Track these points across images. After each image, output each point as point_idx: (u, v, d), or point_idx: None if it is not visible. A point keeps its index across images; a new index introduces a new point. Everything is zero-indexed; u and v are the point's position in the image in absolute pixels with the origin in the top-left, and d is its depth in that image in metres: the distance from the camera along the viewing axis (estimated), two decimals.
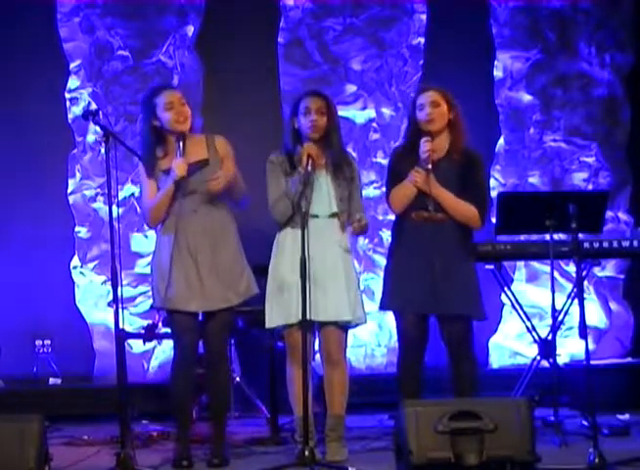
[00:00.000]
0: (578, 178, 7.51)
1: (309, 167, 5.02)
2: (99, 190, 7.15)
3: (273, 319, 5.17)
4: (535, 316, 6.96)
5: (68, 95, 7.21)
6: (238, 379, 6.56)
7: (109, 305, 6.94)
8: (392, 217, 5.44)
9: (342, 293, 5.12)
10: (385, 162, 7.07)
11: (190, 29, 7.31)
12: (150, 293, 5.27)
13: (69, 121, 7.18)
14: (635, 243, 6.27)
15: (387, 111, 7.39)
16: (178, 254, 5.01)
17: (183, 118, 5.04)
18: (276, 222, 5.18)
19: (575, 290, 5.88)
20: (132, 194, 7.15)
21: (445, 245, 5.17)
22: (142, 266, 7.00)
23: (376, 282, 6.72)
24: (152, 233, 6.77)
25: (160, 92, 5.10)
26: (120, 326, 4.79)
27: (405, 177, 5.18)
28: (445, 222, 5.18)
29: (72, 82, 7.22)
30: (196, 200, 5.05)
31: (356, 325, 5.25)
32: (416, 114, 5.24)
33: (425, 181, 5.13)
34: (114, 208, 5.00)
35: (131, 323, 6.80)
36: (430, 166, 5.13)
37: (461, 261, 5.19)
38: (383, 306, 5.33)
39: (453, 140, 5.23)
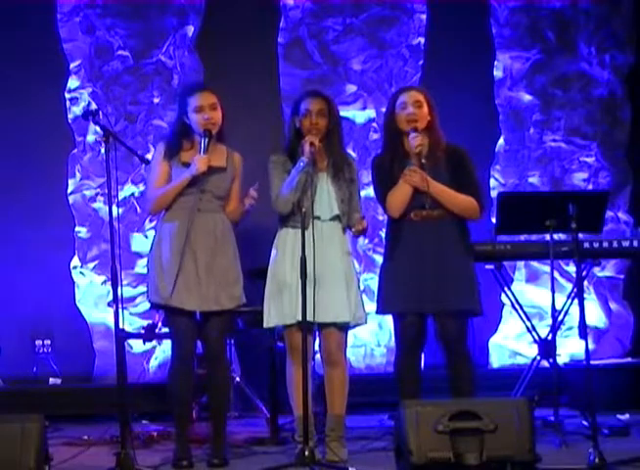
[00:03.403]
0: (578, 178, 7.52)
1: (313, 152, 5.02)
2: (99, 190, 7.15)
3: (271, 319, 5.17)
4: (535, 316, 6.96)
5: (67, 95, 7.21)
6: (238, 379, 6.56)
7: (109, 304, 6.95)
8: None
9: (341, 294, 5.11)
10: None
11: (190, 29, 7.31)
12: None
13: (69, 121, 7.18)
14: (635, 243, 6.27)
15: None
16: (180, 250, 5.01)
17: (210, 124, 5.04)
18: (279, 214, 5.17)
19: (575, 290, 5.88)
20: (132, 194, 7.15)
21: (443, 243, 5.16)
22: (142, 266, 7.00)
23: (376, 282, 6.71)
24: (151, 233, 6.78)
25: (194, 92, 5.09)
26: (120, 326, 4.79)
27: (397, 180, 5.16)
28: (443, 219, 5.17)
29: (72, 82, 7.22)
30: (203, 199, 5.06)
31: (356, 325, 5.26)
32: (396, 113, 5.22)
33: (421, 178, 5.11)
34: (114, 208, 5.00)
35: (131, 323, 6.80)
36: (424, 161, 5.11)
37: (459, 259, 5.18)
38: (380, 310, 5.29)
39: (433, 141, 5.21)
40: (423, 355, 5.29)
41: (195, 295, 5.02)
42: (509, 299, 6.44)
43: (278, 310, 5.13)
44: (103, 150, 5.20)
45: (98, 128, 5.04)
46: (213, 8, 7.29)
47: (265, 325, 5.20)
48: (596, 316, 7.34)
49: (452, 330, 5.14)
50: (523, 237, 6.67)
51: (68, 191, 7.19)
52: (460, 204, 5.17)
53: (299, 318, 4.93)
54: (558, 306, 6.01)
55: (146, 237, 7.10)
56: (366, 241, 7.23)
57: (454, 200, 5.16)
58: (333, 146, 5.20)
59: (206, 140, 5.02)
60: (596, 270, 7.14)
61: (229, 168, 5.15)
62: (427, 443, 4.36)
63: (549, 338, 6.11)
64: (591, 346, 6.53)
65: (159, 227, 5.17)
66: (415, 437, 4.37)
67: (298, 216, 4.96)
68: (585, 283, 6.76)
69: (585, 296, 6.27)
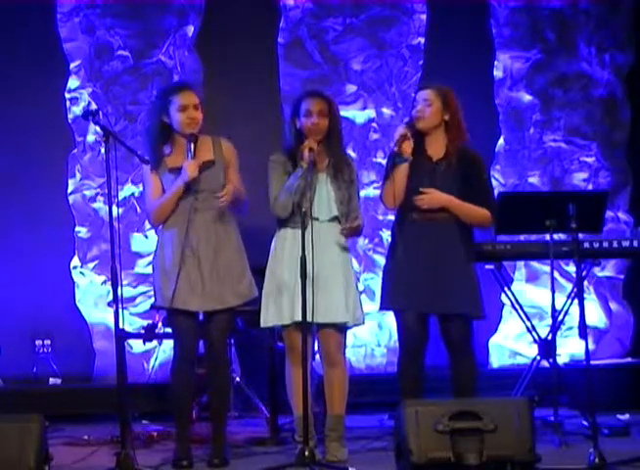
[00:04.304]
0: (578, 178, 7.51)
1: (312, 158, 5.02)
2: (99, 190, 7.15)
3: (268, 319, 5.17)
4: (535, 316, 6.96)
5: (67, 95, 7.21)
6: (238, 379, 6.56)
7: (109, 304, 6.94)
8: (392, 217, 5.44)
9: (340, 294, 5.12)
10: (384, 162, 7.09)
11: (190, 29, 7.31)
12: (150, 293, 5.27)
13: (69, 121, 7.18)
14: (635, 243, 6.27)
15: (387, 111, 7.38)
16: (181, 252, 5.01)
17: (194, 124, 5.04)
18: (277, 217, 5.17)
19: (575, 290, 5.88)
20: (132, 194, 7.15)
21: (446, 245, 5.18)
22: (142, 266, 7.00)
23: (376, 282, 6.71)
24: (152, 233, 6.79)
25: (178, 91, 5.08)
26: (120, 326, 4.79)
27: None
28: (447, 222, 5.18)
29: (72, 82, 7.22)
30: (199, 198, 5.05)
31: (354, 326, 5.26)
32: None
33: (437, 200, 5.12)
34: (114, 208, 5.00)
35: (131, 323, 6.79)
36: (396, 149, 5.11)
37: (461, 261, 5.19)
38: (383, 306, 5.32)
39: (449, 141, 5.22)
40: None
41: (198, 295, 5.02)
42: (509, 299, 6.44)
43: (275, 310, 5.13)
44: (103, 150, 5.20)
45: (98, 128, 5.04)
46: (213, 8, 7.28)
47: (262, 325, 5.20)
48: (596, 316, 7.34)
49: (455, 332, 5.16)
50: (522, 237, 6.67)
51: (68, 191, 7.18)
52: (474, 217, 5.21)
53: (297, 319, 4.94)
54: (558, 306, 6.00)
55: (146, 237, 7.10)
56: (366, 241, 7.23)
57: (469, 212, 5.18)
58: (333, 146, 5.20)
59: (193, 145, 5.02)
60: (596, 270, 7.14)
61: (218, 159, 5.12)
62: (427, 443, 4.36)
63: (549, 338, 6.11)
64: (591, 346, 6.52)
65: (160, 233, 5.17)
66: (415, 437, 4.37)
67: (298, 217, 4.96)
68: (585, 283, 6.76)
69: (585, 296, 6.26)
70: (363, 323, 5.28)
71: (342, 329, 5.18)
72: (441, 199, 5.14)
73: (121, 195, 7.02)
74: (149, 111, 5.35)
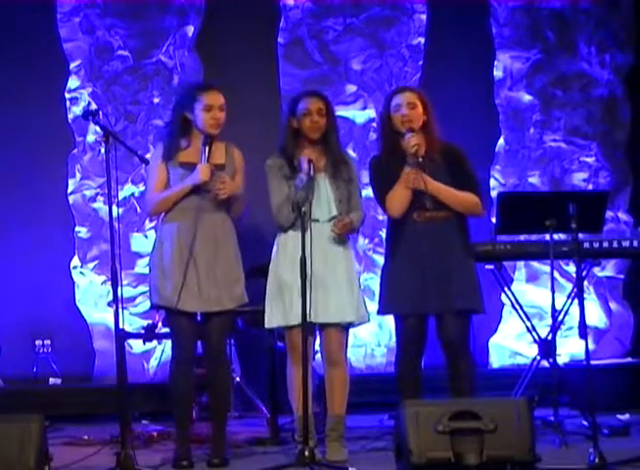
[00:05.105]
0: (578, 178, 7.52)
1: (312, 173, 5.03)
2: (99, 190, 7.15)
3: (273, 320, 5.17)
4: (535, 316, 6.96)
5: (67, 95, 7.21)
6: (238, 379, 6.56)
7: (109, 304, 6.95)
8: None
9: (344, 293, 5.12)
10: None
11: (190, 29, 7.31)
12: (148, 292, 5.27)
13: (69, 121, 7.18)
14: (635, 243, 6.27)
15: None
16: (179, 251, 5.01)
17: (217, 125, 5.05)
18: (280, 227, 5.18)
19: (575, 290, 5.88)
20: (132, 194, 7.15)
21: (444, 243, 5.16)
22: (142, 266, 7.00)
23: (375, 282, 6.69)
24: (152, 233, 6.79)
25: (205, 90, 5.08)
26: (120, 326, 4.79)
27: (394, 180, 5.15)
28: (446, 221, 5.17)
29: (72, 82, 7.22)
30: (204, 198, 5.05)
31: (360, 324, 5.26)
32: (391, 114, 5.22)
33: (418, 179, 5.11)
34: (114, 208, 5.00)
35: (131, 323, 6.80)
36: (420, 160, 5.11)
37: (461, 259, 5.18)
38: (382, 311, 5.29)
39: (429, 141, 5.20)
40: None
41: (196, 296, 5.01)
42: (509, 299, 6.44)
43: (279, 311, 5.13)
44: (103, 150, 5.20)
45: (98, 128, 5.04)
46: (213, 8, 7.29)
47: (267, 326, 5.20)
48: (596, 316, 7.34)
49: (455, 330, 5.14)
50: (523, 237, 6.67)
51: (68, 191, 7.18)
52: (461, 201, 5.18)
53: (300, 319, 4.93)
54: (558, 306, 6.00)
55: (146, 237, 7.10)
56: (366, 241, 7.23)
57: (455, 197, 5.16)
58: (331, 145, 5.21)
59: (208, 148, 5.02)
60: (596, 270, 7.14)
61: (228, 165, 5.14)
62: (427, 443, 4.36)
63: (549, 338, 6.12)
64: (591, 346, 6.52)
65: (159, 228, 5.17)
66: (415, 437, 4.37)
67: (298, 219, 4.96)
68: (585, 283, 6.76)
69: (585, 296, 6.26)
70: (369, 321, 5.28)
71: (345, 328, 5.18)
72: (422, 179, 5.10)
73: (121, 195, 7.02)
74: (173, 102, 5.35)
